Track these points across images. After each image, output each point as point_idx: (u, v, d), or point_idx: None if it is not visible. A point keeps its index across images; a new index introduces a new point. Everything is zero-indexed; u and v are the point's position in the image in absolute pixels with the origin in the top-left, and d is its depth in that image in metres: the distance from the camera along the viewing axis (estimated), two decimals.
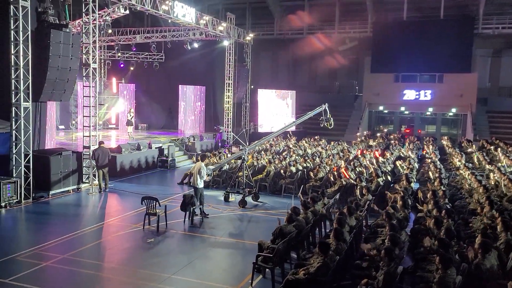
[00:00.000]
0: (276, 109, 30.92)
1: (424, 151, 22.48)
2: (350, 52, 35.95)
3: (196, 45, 25.48)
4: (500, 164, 16.84)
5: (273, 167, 16.41)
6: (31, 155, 13.41)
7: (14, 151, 13.16)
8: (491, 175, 14.35)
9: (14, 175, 13.06)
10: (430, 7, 32.66)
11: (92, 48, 15.01)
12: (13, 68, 12.90)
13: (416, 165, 18.18)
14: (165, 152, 20.21)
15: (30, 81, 13.17)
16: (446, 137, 27.40)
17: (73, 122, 27.45)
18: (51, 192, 14.00)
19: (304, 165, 16.78)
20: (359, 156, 18.92)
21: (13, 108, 13.08)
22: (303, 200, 10.43)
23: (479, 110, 31.64)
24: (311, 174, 15.66)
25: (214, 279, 8.38)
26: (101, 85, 28.30)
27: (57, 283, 8.19)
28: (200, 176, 12.15)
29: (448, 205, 10.62)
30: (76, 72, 14.55)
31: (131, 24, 32.45)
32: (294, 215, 8.99)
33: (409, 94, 32.88)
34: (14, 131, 13.16)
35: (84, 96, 15.67)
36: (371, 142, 24.60)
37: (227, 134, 26.80)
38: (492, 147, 21.34)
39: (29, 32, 12.98)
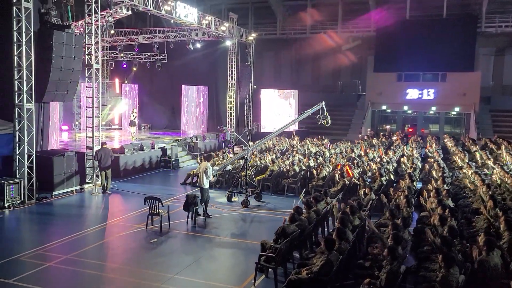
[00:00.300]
0: (279, 109, 30.90)
1: (427, 149, 22.42)
2: (353, 51, 35.89)
3: (198, 45, 25.49)
4: (503, 163, 16.77)
5: (276, 167, 16.40)
6: (34, 156, 13.46)
7: (17, 152, 13.20)
8: (495, 173, 14.29)
9: (17, 176, 13.10)
10: (433, 6, 32.58)
11: (95, 49, 15.04)
12: (16, 69, 12.95)
13: (419, 164, 18.14)
14: (168, 152, 20.23)
15: (33, 82, 13.21)
16: (447, 136, 27.26)
17: (76, 122, 27.53)
18: (54, 193, 14.04)
19: (307, 164, 16.77)
20: (362, 155, 18.91)
21: (16, 109, 13.12)
22: (306, 200, 10.42)
23: (482, 109, 31.55)
24: (314, 171, 15.64)
25: (217, 279, 8.39)
26: (104, 86, 28.36)
27: (60, 283, 8.22)
28: (206, 177, 12.13)
29: (451, 204, 10.59)
30: (79, 73, 14.58)
31: (133, 24, 32.50)
32: (296, 214, 8.99)
33: (412, 93, 32.82)
34: (17, 132, 13.21)
35: (87, 97, 15.72)
36: (374, 141, 24.55)
37: (231, 134, 26.82)
38: (494, 146, 21.24)
39: (32, 33, 13.02)
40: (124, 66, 29.60)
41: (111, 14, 19.27)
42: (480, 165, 17.38)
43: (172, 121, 29.70)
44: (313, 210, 9.85)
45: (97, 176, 15.01)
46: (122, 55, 28.08)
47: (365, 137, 27.27)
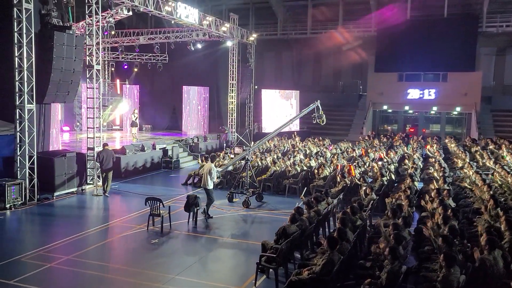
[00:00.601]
0: (280, 110, 30.89)
1: (427, 147, 22.40)
2: (354, 51, 35.87)
3: (199, 45, 25.49)
4: (504, 163, 16.75)
5: (277, 167, 16.40)
6: (35, 156, 13.47)
7: (18, 153, 13.22)
8: (496, 173, 14.27)
9: (18, 177, 13.12)
10: (434, 6, 32.54)
11: (96, 50, 15.06)
12: (17, 70, 12.96)
13: (421, 164, 18.13)
14: (169, 153, 20.24)
15: (34, 83, 13.23)
16: (448, 137, 27.20)
17: (77, 123, 27.56)
18: (55, 194, 14.06)
19: (308, 165, 16.76)
20: (363, 155, 18.90)
21: (17, 110, 13.13)
22: (307, 200, 10.42)
23: (483, 109, 31.51)
24: (315, 171, 15.63)
25: (218, 279, 8.39)
26: (105, 87, 28.38)
27: (62, 284, 8.24)
28: (210, 177, 12.12)
29: (452, 204, 10.57)
30: (80, 73, 14.61)
31: (134, 25, 32.54)
32: (297, 215, 8.99)
33: (413, 93, 32.78)
34: (18, 133, 13.23)
35: (88, 98, 15.74)
36: (375, 142, 24.53)
37: (232, 135, 26.82)
38: (495, 146, 21.22)
39: (33, 34, 13.03)
40: (125, 67, 29.63)
41: (112, 15, 19.29)
42: (481, 165, 17.36)
43: (173, 121, 29.71)
44: (314, 210, 9.84)
45: (98, 177, 15.02)
46: (123, 55, 28.09)
47: (366, 137, 27.25)
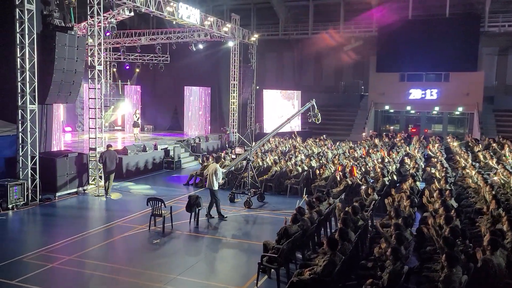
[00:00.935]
0: (281, 110, 30.88)
1: (428, 148, 22.36)
2: (355, 51, 35.85)
3: (201, 46, 25.51)
4: (506, 163, 16.70)
5: (278, 167, 16.40)
6: (37, 157, 13.51)
7: (20, 154, 13.26)
8: (498, 173, 14.24)
9: (21, 177, 13.15)
10: (436, 5, 32.48)
11: (97, 51, 15.07)
12: (19, 71, 13.00)
13: (422, 164, 18.10)
14: (171, 153, 20.26)
15: (36, 83, 13.27)
16: (451, 136, 27.13)
17: (80, 124, 27.60)
18: (57, 194, 14.09)
19: (310, 165, 16.75)
20: (364, 155, 18.87)
21: (20, 110, 13.17)
22: (308, 200, 10.42)
23: (485, 109, 31.44)
24: (317, 172, 15.63)
25: (219, 279, 8.41)
26: (107, 87, 28.43)
27: (64, 284, 8.25)
28: (216, 178, 12.12)
29: (454, 204, 10.55)
30: (82, 74, 14.65)
31: (136, 26, 32.60)
32: (299, 215, 8.98)
33: (415, 93, 32.74)
34: (20, 134, 13.26)
35: (89, 98, 15.76)
36: (376, 142, 24.51)
37: (234, 135, 26.83)
38: (496, 146, 21.17)
39: (35, 35, 13.08)
40: (127, 67, 29.67)
41: (114, 15, 19.31)
42: (484, 165, 17.33)
43: (174, 122, 29.73)
44: (316, 210, 9.84)
45: (100, 177, 15.03)
46: (124, 56, 28.12)
47: (368, 138, 27.18)
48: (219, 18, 23.91)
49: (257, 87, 30.93)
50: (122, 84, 30.17)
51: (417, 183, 13.69)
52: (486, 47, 32.69)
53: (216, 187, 12.16)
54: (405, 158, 18.94)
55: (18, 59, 12.97)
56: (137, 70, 29.74)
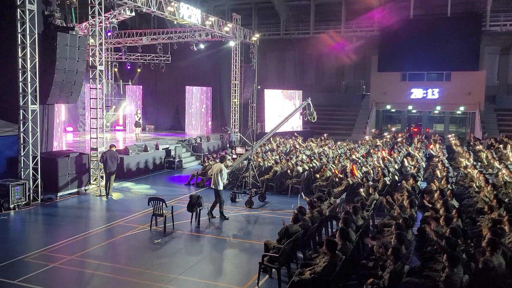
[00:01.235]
0: (283, 110, 30.84)
1: (430, 147, 22.34)
2: (357, 51, 35.82)
3: (202, 46, 25.52)
4: (508, 162, 16.68)
5: (279, 167, 16.40)
6: (39, 157, 13.52)
7: (22, 154, 13.28)
8: (500, 173, 14.21)
9: (22, 177, 13.18)
10: (437, 5, 32.47)
11: (99, 51, 15.09)
12: (20, 71, 13.02)
13: (424, 164, 18.08)
14: (172, 153, 20.28)
15: (37, 83, 13.28)
16: (453, 135, 27.10)
17: (81, 124, 27.63)
18: (59, 194, 14.11)
19: (311, 165, 16.75)
20: (364, 156, 18.85)
21: (21, 110, 13.19)
22: (310, 200, 10.41)
23: (487, 108, 31.39)
24: (318, 174, 15.63)
25: (220, 279, 8.42)
26: (108, 87, 28.45)
27: (65, 284, 8.26)
28: (221, 178, 12.09)
29: (456, 204, 10.54)
30: (83, 74, 14.65)
31: (138, 26, 32.64)
32: (300, 214, 8.98)
33: (417, 93, 32.71)
34: (22, 134, 13.28)
35: (91, 98, 15.77)
36: (378, 142, 24.49)
37: (235, 135, 26.84)
38: (501, 146, 21.13)
39: (36, 35, 13.09)
40: (128, 67, 29.69)
41: (115, 15, 19.34)
42: (486, 164, 17.30)
43: (176, 122, 29.75)
44: (317, 210, 9.84)
45: (102, 177, 15.04)
46: (125, 56, 28.15)
47: (371, 138, 27.09)
48: (220, 18, 23.93)
49: (258, 87, 30.93)
50: (124, 84, 30.20)
51: (418, 182, 13.67)
52: (488, 46, 32.63)
53: (221, 187, 12.14)
54: (407, 157, 18.92)
55: (20, 59, 12.99)
56: (139, 70, 29.75)
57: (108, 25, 19.15)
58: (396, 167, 16.73)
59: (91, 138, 15.60)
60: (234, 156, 18.37)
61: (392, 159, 17.91)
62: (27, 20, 12.79)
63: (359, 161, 17.69)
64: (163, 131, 28.56)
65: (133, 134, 25.37)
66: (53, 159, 14.15)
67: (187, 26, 22.32)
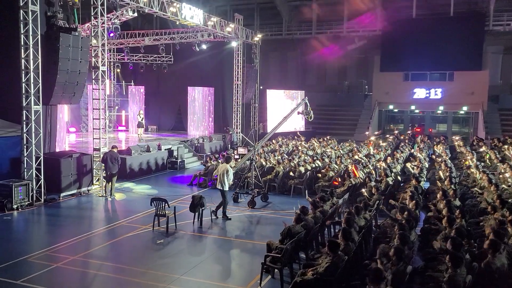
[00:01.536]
0: (285, 110, 30.77)
1: (434, 148, 22.29)
2: (359, 51, 35.77)
3: (204, 46, 25.52)
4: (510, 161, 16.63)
5: (282, 168, 16.39)
6: (42, 157, 13.55)
7: (25, 154, 13.31)
8: (503, 174, 14.16)
9: (25, 178, 13.21)
10: (440, 4, 32.39)
11: (101, 51, 15.12)
12: (23, 72, 13.05)
13: (427, 164, 18.04)
14: (175, 153, 20.29)
15: (40, 84, 13.31)
16: (457, 137, 27.02)
17: (84, 124, 27.69)
18: (62, 195, 14.13)
19: (313, 165, 16.73)
20: (372, 152, 18.82)
21: (24, 111, 13.23)
22: (312, 200, 10.40)
23: (490, 108, 31.30)
24: (320, 174, 15.61)
25: (223, 279, 8.42)
26: (111, 88, 28.50)
27: (68, 284, 8.27)
28: (227, 179, 12.05)
29: (458, 204, 10.51)
30: (86, 75, 14.67)
31: (140, 26, 32.67)
32: (302, 215, 8.97)
33: (419, 93, 32.66)
34: (25, 134, 13.32)
35: (93, 99, 15.81)
36: (380, 142, 24.46)
37: (237, 135, 26.84)
38: (505, 146, 21.08)
39: (39, 36, 13.12)
40: (131, 68, 29.74)
41: (117, 16, 19.36)
42: (490, 165, 17.24)
43: (178, 122, 29.78)
44: (319, 210, 9.83)
45: (104, 178, 15.05)
46: (128, 57, 28.19)
47: (374, 138, 27.05)
48: (222, 18, 23.93)
49: (261, 87, 30.91)
50: (126, 84, 30.24)
51: (421, 183, 13.64)
52: (491, 46, 32.52)
53: (227, 187, 12.13)
54: (410, 158, 18.89)
55: (23, 60, 13.02)
56: (141, 70, 29.78)
57: (111, 25, 19.16)
58: (399, 167, 16.70)
59: (93, 138, 15.64)
60: (236, 157, 18.38)
61: (395, 160, 17.87)
62: (30, 21, 12.83)
63: (362, 161, 17.67)
64: (166, 132, 28.58)
65: (135, 134, 25.41)
66: (56, 159, 14.18)
67: (189, 26, 22.33)
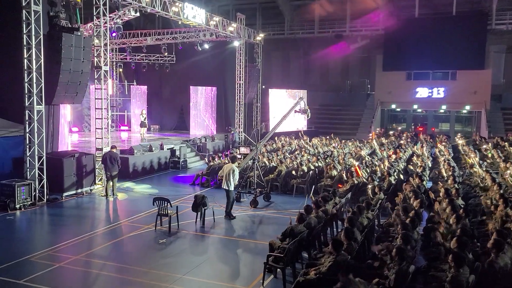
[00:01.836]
0: (288, 110, 30.74)
1: (437, 149, 22.23)
2: (361, 50, 35.69)
3: (206, 46, 25.54)
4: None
5: (284, 167, 16.37)
6: (44, 157, 13.58)
7: (28, 154, 13.34)
8: (506, 172, 14.10)
9: (28, 178, 13.23)
10: (442, 3, 32.25)
11: (104, 51, 15.14)
12: (26, 72, 13.08)
13: (429, 163, 17.99)
14: (177, 153, 20.30)
15: (42, 84, 13.34)
16: (459, 135, 26.93)
17: (86, 124, 27.73)
18: (64, 194, 14.16)
19: (316, 164, 16.71)
20: (377, 150, 18.78)
21: (27, 111, 13.26)
22: (315, 199, 10.38)
23: (493, 107, 31.19)
24: (324, 173, 15.58)
25: (225, 279, 8.41)
26: (113, 87, 28.53)
27: (71, 284, 8.29)
28: (233, 179, 12.02)
29: (461, 203, 10.48)
30: (88, 74, 14.70)
31: (142, 26, 32.67)
32: (305, 214, 8.96)
33: (422, 92, 32.56)
34: (27, 134, 13.35)
35: (96, 99, 15.83)
36: (383, 140, 24.42)
37: (239, 135, 26.84)
38: (506, 144, 21.00)
39: (41, 36, 13.15)
40: (133, 67, 29.78)
41: (119, 16, 19.38)
42: (493, 164, 17.18)
43: (180, 122, 29.80)
44: (322, 210, 9.80)
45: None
46: (130, 56, 28.23)
47: (375, 138, 27.00)
48: (224, 18, 23.92)
49: (263, 87, 30.90)
50: (128, 84, 30.28)
51: (424, 182, 13.60)
52: (494, 45, 32.36)
53: (232, 187, 12.11)
54: (412, 157, 18.84)
55: (25, 60, 13.05)
56: (144, 70, 29.84)
57: (113, 25, 19.20)
58: (402, 166, 16.66)
59: (96, 138, 15.66)
60: (239, 156, 18.34)
61: (398, 159, 17.83)
62: (32, 21, 12.85)
63: (365, 159, 17.64)
64: (168, 131, 28.61)
65: (138, 134, 25.43)
66: (58, 159, 14.20)
67: (192, 26, 22.33)
